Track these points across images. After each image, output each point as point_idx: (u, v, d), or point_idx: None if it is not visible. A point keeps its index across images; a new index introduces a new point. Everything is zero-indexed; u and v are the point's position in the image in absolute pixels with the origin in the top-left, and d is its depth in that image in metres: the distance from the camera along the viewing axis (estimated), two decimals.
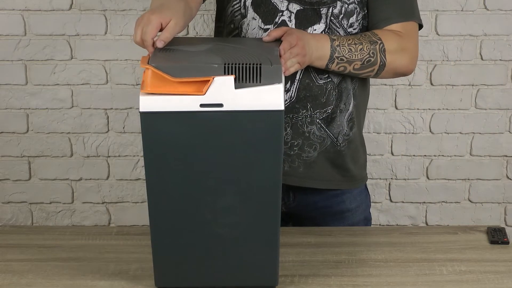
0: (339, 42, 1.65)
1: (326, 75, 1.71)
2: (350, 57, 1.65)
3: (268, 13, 1.71)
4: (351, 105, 1.76)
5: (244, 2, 1.73)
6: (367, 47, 1.66)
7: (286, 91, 1.70)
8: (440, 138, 2.44)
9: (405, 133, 2.44)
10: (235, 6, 1.74)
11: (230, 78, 1.32)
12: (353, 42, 1.66)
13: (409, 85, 2.40)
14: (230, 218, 1.39)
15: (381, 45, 1.67)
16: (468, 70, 2.38)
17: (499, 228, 1.69)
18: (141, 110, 1.33)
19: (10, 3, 2.33)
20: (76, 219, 2.51)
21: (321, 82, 1.71)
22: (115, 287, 1.46)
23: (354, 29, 1.72)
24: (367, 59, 1.67)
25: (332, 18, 1.69)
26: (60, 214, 2.51)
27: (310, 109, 1.72)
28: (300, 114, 1.72)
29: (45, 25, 2.34)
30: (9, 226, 2.42)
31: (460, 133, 2.43)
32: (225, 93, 1.32)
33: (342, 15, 1.70)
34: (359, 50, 1.66)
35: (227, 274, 1.44)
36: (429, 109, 2.41)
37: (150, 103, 1.32)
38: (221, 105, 1.32)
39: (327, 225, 1.79)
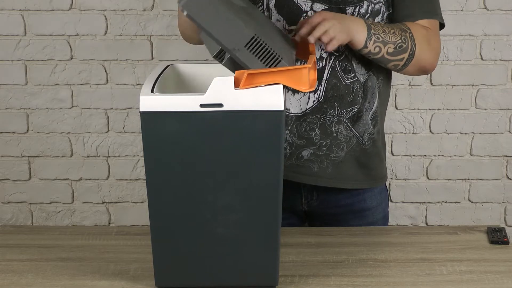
0: (371, 23, 1.65)
1: (353, 74, 1.71)
2: (384, 37, 1.65)
3: (292, 14, 1.70)
4: (375, 104, 1.76)
5: (268, 5, 1.72)
6: (399, 32, 1.66)
7: (314, 91, 1.70)
8: (440, 138, 2.44)
9: (405, 133, 2.44)
10: (259, 9, 1.73)
11: (230, 78, 1.32)
12: (385, 26, 1.67)
13: (409, 85, 2.39)
14: (230, 218, 1.39)
15: (410, 33, 1.67)
16: (468, 70, 2.38)
17: (499, 228, 1.69)
18: (141, 110, 1.33)
19: (10, 3, 2.33)
20: (76, 219, 2.51)
21: (347, 81, 1.71)
22: (115, 287, 1.46)
23: None
24: (399, 44, 1.66)
25: (358, 17, 1.69)
26: (60, 214, 2.51)
27: (337, 108, 1.72)
28: (328, 114, 1.72)
29: (45, 25, 2.34)
30: (9, 226, 2.42)
31: (460, 133, 2.43)
32: (225, 93, 1.32)
33: (368, 14, 1.69)
34: (392, 33, 1.66)
35: (227, 274, 1.43)
36: (429, 109, 2.41)
37: (150, 103, 1.32)
38: (221, 105, 1.32)
39: (347, 223, 1.79)
